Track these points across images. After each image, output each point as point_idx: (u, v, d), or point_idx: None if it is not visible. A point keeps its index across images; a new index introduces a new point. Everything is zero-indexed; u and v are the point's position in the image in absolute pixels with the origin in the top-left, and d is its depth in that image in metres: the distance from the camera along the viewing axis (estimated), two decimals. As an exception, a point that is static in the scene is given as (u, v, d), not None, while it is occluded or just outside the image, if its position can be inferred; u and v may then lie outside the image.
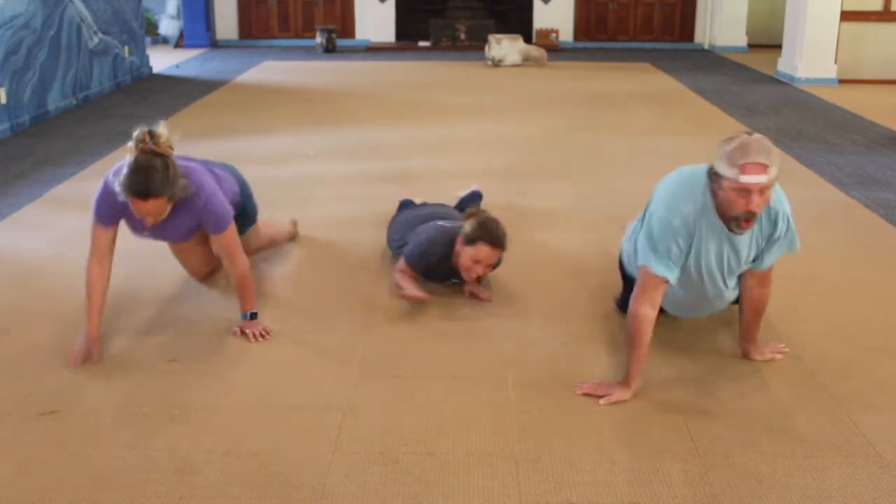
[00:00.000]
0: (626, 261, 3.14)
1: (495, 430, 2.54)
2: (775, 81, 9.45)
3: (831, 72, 9.10)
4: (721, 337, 3.13)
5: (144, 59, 9.92)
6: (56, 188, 5.09)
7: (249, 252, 3.54)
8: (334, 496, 2.24)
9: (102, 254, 3.02)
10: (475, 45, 12.08)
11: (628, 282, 3.11)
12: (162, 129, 2.86)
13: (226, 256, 3.15)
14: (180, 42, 12.61)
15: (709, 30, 12.57)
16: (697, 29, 12.79)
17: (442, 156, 5.92)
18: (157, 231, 3.13)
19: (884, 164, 5.71)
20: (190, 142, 6.38)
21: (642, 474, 2.33)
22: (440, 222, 3.58)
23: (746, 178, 2.49)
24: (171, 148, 2.89)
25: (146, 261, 3.72)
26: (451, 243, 3.44)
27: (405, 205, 4.18)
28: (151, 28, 12.75)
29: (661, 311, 2.99)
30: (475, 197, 4.38)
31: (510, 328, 3.23)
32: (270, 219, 3.94)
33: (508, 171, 5.44)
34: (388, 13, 12.75)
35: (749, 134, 2.56)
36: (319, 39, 11.85)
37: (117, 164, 2.92)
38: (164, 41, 13.05)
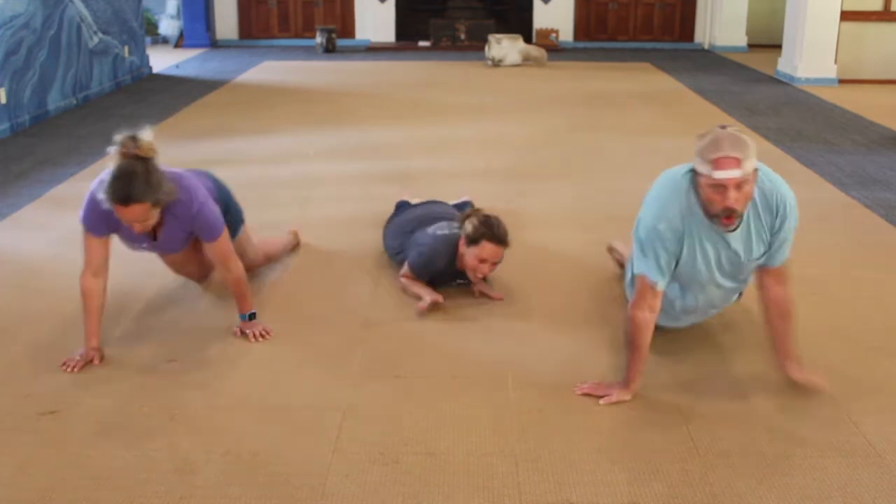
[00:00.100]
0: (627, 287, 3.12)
1: (495, 430, 2.54)
2: (775, 81, 9.45)
3: (831, 72, 9.10)
4: (721, 337, 3.13)
5: (144, 59, 9.92)
6: (56, 188, 5.09)
7: (245, 264, 3.44)
8: (334, 496, 2.24)
9: (97, 266, 2.97)
10: (475, 45, 12.08)
11: None
12: (145, 133, 2.81)
13: (220, 264, 3.11)
14: (180, 42, 12.61)
15: (709, 30, 12.57)
16: (697, 29, 12.79)
17: (442, 156, 5.92)
18: (152, 243, 3.09)
19: (884, 164, 5.71)
20: (190, 142, 6.40)
21: (642, 474, 2.34)
22: (437, 231, 3.55)
23: (720, 174, 2.44)
24: (155, 151, 2.82)
25: (146, 260, 3.71)
26: (453, 248, 3.45)
27: (401, 206, 4.18)
28: (151, 28, 12.75)
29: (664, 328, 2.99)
30: (466, 207, 4.36)
31: (510, 328, 3.23)
32: (267, 237, 3.83)
33: (508, 171, 5.44)
34: (388, 13, 12.75)
35: (722, 128, 2.51)
36: (319, 39, 11.85)
37: (101, 174, 2.87)
38: (164, 41, 13.05)
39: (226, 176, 5.45)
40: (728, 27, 12.35)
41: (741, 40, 12.35)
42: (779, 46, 10.04)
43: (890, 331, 3.21)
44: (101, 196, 2.77)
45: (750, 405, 2.68)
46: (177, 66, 10.57)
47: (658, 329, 2.81)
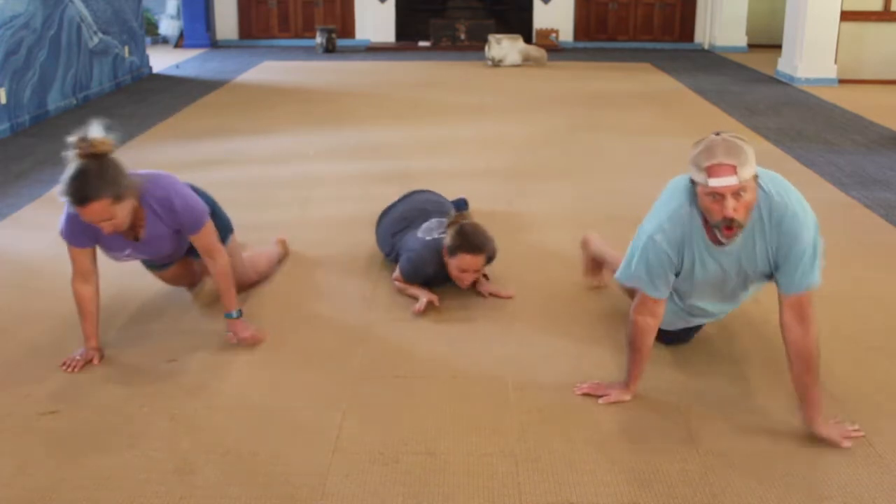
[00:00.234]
0: None
1: (495, 430, 2.54)
2: (775, 81, 9.45)
3: (831, 72, 9.10)
4: (720, 338, 3.13)
5: (144, 59, 9.92)
6: (56, 188, 5.08)
7: (236, 280, 3.39)
8: (334, 496, 2.24)
9: (85, 273, 2.94)
10: (475, 45, 12.09)
11: None
12: (95, 130, 2.70)
13: (206, 253, 3.05)
14: (180, 42, 12.61)
15: (709, 30, 12.57)
16: (697, 29, 12.79)
17: (442, 156, 5.92)
18: (137, 247, 3.02)
19: (884, 164, 5.71)
20: (190, 142, 6.40)
21: (642, 474, 2.34)
22: (424, 235, 3.52)
23: (715, 182, 2.33)
24: (108, 146, 2.72)
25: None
26: (438, 255, 3.43)
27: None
28: (151, 28, 12.75)
29: (671, 339, 2.97)
30: (461, 204, 4.37)
31: (510, 328, 3.23)
32: (253, 253, 3.69)
33: (508, 171, 5.44)
34: (388, 13, 12.75)
35: (717, 134, 2.41)
36: (319, 39, 11.85)
37: None
38: (164, 41, 13.06)
39: (226, 176, 5.48)
40: (728, 27, 12.35)
41: (741, 40, 12.35)
42: (779, 46, 10.04)
43: (890, 331, 3.21)
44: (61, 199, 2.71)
45: (750, 405, 2.68)
46: (177, 66, 10.57)
47: (662, 332, 2.81)
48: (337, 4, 12.78)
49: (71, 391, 2.76)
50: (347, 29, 12.80)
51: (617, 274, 2.73)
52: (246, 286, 3.51)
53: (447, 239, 3.39)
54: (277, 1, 12.75)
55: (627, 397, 2.67)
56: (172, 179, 2.99)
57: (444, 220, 3.56)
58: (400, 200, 4.04)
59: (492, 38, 10.65)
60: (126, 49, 9.28)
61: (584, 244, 3.61)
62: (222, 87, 8.99)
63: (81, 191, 2.66)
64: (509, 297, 3.46)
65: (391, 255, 3.70)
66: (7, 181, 5.26)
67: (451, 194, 4.47)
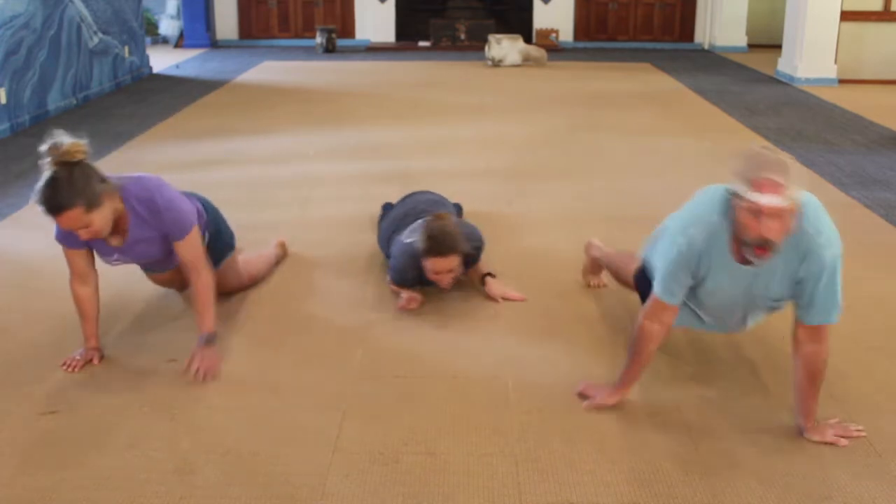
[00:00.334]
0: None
1: (495, 430, 2.54)
2: (775, 81, 9.45)
3: (831, 72, 9.10)
4: (720, 339, 3.13)
5: (144, 59, 9.92)
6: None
7: (228, 289, 3.42)
8: (334, 496, 2.24)
9: (82, 275, 2.92)
10: (475, 45, 12.09)
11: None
12: (65, 137, 2.64)
13: (189, 266, 2.93)
14: (180, 42, 12.61)
15: (709, 30, 12.57)
16: (697, 29, 12.79)
17: (442, 156, 5.92)
18: (125, 252, 2.95)
19: (884, 164, 5.71)
20: (190, 142, 6.40)
21: (642, 474, 2.33)
22: (405, 239, 3.46)
23: (759, 198, 2.21)
24: (81, 153, 2.65)
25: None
26: (417, 259, 3.35)
27: (386, 208, 4.19)
28: (151, 28, 12.75)
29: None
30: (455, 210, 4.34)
31: (510, 328, 3.23)
32: (250, 256, 3.63)
33: (508, 171, 5.44)
34: (388, 13, 12.75)
35: (770, 150, 2.30)
36: (319, 39, 11.85)
37: None
38: (164, 41, 13.06)
39: (226, 176, 5.48)
40: (728, 27, 12.35)
41: (741, 40, 12.35)
42: (779, 46, 10.05)
43: (890, 331, 3.21)
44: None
45: (750, 405, 2.68)
46: (177, 66, 10.57)
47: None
48: (337, 4, 12.78)
49: (71, 391, 2.76)
50: (347, 29, 12.80)
51: (655, 279, 2.58)
52: (241, 290, 3.49)
53: (417, 242, 3.32)
54: (277, 1, 12.75)
55: (612, 401, 2.61)
56: (159, 182, 2.91)
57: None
58: (401, 201, 4.04)
59: (492, 38, 10.65)
60: (126, 49, 9.28)
61: (588, 248, 3.61)
62: (222, 87, 8.99)
63: (53, 200, 2.62)
64: (522, 300, 3.43)
65: (388, 258, 3.69)
66: (7, 181, 5.26)
67: (450, 194, 4.47)
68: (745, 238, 2.30)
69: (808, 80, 9.06)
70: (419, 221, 3.53)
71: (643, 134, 6.68)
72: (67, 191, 2.61)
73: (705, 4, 12.60)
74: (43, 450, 2.45)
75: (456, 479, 2.31)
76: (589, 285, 3.58)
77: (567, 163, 5.75)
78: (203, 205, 3.26)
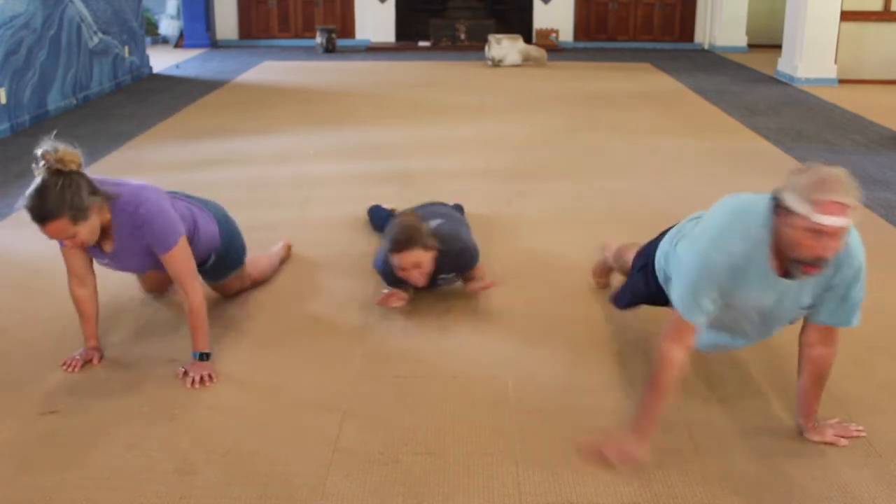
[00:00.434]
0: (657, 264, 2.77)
1: (495, 430, 2.54)
2: (775, 81, 9.45)
3: (831, 72, 9.10)
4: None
5: (144, 59, 9.92)
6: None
7: (229, 293, 3.42)
8: (334, 496, 2.24)
9: (80, 275, 2.91)
10: (475, 45, 12.09)
11: (635, 278, 2.92)
12: (63, 145, 2.62)
13: (177, 283, 2.87)
14: (180, 42, 12.61)
15: (709, 30, 12.57)
16: (697, 29, 12.80)
17: (442, 156, 5.92)
18: (111, 258, 2.91)
19: (884, 164, 5.71)
20: (190, 142, 6.40)
21: (642, 474, 2.33)
22: (382, 240, 3.45)
23: (824, 219, 2.09)
24: (75, 163, 2.63)
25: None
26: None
27: (374, 211, 4.19)
28: (151, 28, 12.75)
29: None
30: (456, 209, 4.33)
31: (510, 328, 3.23)
32: (256, 254, 3.59)
33: (508, 171, 5.44)
34: (388, 13, 12.75)
35: (830, 166, 2.17)
36: (319, 39, 11.86)
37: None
38: (164, 41, 13.06)
39: (226, 176, 5.48)
40: (728, 27, 12.35)
41: (741, 40, 12.35)
42: (779, 46, 10.05)
43: (890, 331, 3.21)
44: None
45: (749, 405, 2.68)
46: (177, 66, 10.57)
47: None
48: (337, 4, 12.78)
49: (71, 391, 2.76)
50: (347, 29, 12.81)
51: (673, 296, 2.41)
52: (242, 291, 3.49)
53: (386, 242, 3.29)
54: (277, 1, 12.75)
55: (644, 453, 2.34)
56: (148, 195, 2.82)
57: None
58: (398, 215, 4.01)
59: (492, 38, 10.65)
60: (126, 49, 9.28)
61: (606, 247, 3.54)
62: (222, 87, 8.99)
63: (40, 209, 2.59)
64: (493, 285, 3.39)
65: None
66: (7, 181, 5.26)
67: (450, 194, 4.48)
68: (796, 256, 2.18)
69: (808, 80, 9.06)
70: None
71: (643, 134, 6.68)
72: (55, 201, 2.58)
73: (705, 4, 12.60)
74: (43, 450, 2.45)
75: (456, 479, 2.31)
76: (599, 286, 3.56)
77: (567, 163, 5.75)
78: (219, 223, 3.22)
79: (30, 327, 3.22)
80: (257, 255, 3.61)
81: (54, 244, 2.87)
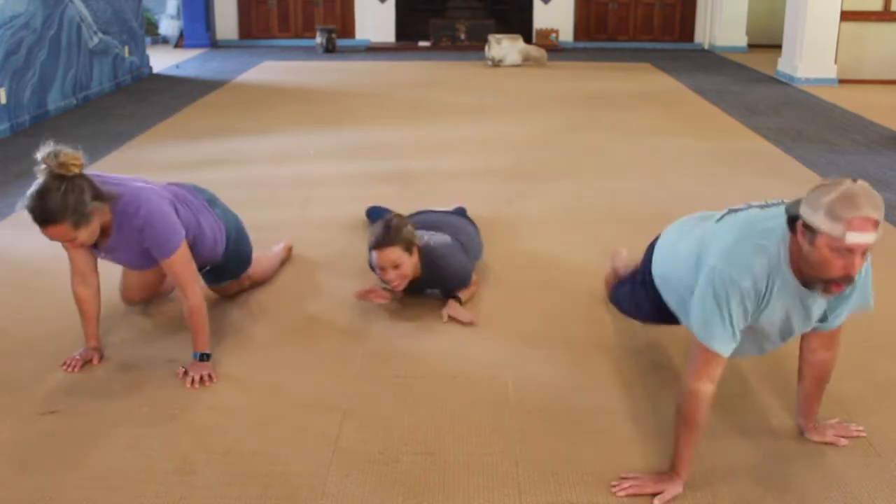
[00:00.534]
0: (655, 269, 2.68)
1: (495, 430, 2.54)
2: (775, 81, 9.45)
3: (831, 72, 9.10)
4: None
5: (144, 59, 9.92)
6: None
7: (227, 294, 3.41)
8: (334, 496, 2.24)
9: (84, 273, 2.91)
10: (475, 45, 12.09)
11: (635, 277, 2.86)
12: (64, 148, 2.62)
13: (177, 285, 2.87)
14: (180, 42, 12.61)
15: (709, 30, 12.57)
16: (697, 29, 12.79)
17: (442, 156, 5.92)
18: (107, 252, 2.89)
19: (884, 164, 5.71)
20: (190, 142, 6.40)
21: (642, 474, 2.33)
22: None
23: (854, 238, 1.99)
24: (78, 167, 2.62)
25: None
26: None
27: (372, 212, 4.19)
28: (151, 28, 12.75)
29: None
30: (459, 212, 4.33)
31: (510, 328, 3.23)
32: (256, 255, 3.54)
33: (508, 171, 5.44)
34: (388, 13, 12.75)
35: (853, 181, 2.08)
36: (319, 39, 11.86)
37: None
38: (164, 41, 13.05)
39: (226, 176, 5.48)
40: (728, 27, 12.35)
41: (741, 40, 12.35)
42: (779, 46, 10.04)
43: (890, 331, 3.21)
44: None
45: (749, 405, 2.68)
46: (177, 66, 10.57)
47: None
48: (337, 4, 12.78)
49: (71, 391, 2.76)
50: (347, 29, 12.80)
51: (693, 324, 2.25)
52: (241, 291, 3.49)
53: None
54: (277, 1, 12.75)
55: (681, 489, 2.25)
56: (150, 195, 2.81)
57: None
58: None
59: (492, 38, 10.65)
60: (126, 49, 9.28)
61: (613, 257, 3.34)
62: (222, 87, 8.99)
63: (41, 212, 2.59)
64: (470, 323, 3.22)
65: None
66: (7, 181, 5.27)
67: (450, 194, 4.48)
68: (823, 275, 2.08)
69: (808, 80, 9.06)
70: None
71: (643, 134, 6.68)
72: (58, 206, 2.58)
73: (705, 4, 12.60)
74: (43, 450, 2.45)
75: (456, 480, 2.31)
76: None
77: (567, 163, 5.75)
78: (228, 238, 3.20)
79: (30, 327, 3.22)
80: (257, 256, 3.60)
81: (55, 245, 2.87)
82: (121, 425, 2.56)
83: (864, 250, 2.04)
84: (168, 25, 13.00)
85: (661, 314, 2.72)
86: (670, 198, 4.87)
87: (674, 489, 2.23)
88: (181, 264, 2.84)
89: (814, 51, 9.06)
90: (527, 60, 10.69)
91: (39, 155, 2.61)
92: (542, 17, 12.68)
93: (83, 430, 2.54)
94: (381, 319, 3.30)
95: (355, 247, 4.06)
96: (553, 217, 4.56)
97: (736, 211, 2.38)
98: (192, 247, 2.95)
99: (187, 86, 9.06)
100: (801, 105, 7.99)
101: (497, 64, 10.60)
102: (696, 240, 2.44)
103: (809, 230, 2.05)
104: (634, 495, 2.24)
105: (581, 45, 12.76)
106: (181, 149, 6.17)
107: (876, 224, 2.03)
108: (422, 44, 12.51)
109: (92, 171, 2.80)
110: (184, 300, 2.86)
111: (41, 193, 2.60)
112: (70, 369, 2.87)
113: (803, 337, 2.43)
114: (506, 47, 10.61)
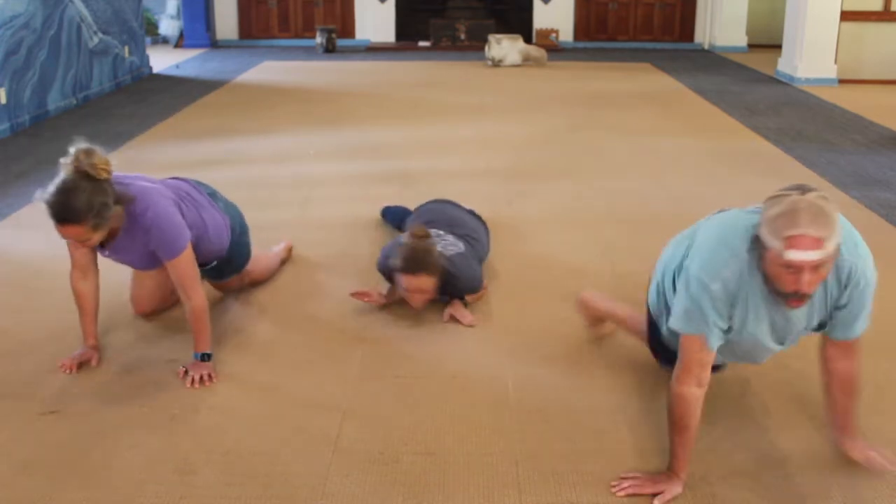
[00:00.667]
0: (652, 294, 2.63)
1: (495, 430, 2.54)
2: (775, 81, 9.45)
3: (831, 72, 9.10)
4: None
5: (144, 59, 9.92)
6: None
7: (226, 289, 3.42)
8: (334, 496, 2.24)
9: (84, 268, 2.91)
10: (475, 45, 12.09)
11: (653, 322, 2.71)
12: (98, 150, 2.65)
13: (179, 287, 2.86)
14: (180, 42, 12.61)
15: (709, 30, 12.57)
16: (697, 29, 12.79)
17: (442, 156, 5.92)
18: (112, 252, 2.91)
19: (884, 164, 5.71)
20: (190, 142, 6.40)
21: (642, 475, 2.33)
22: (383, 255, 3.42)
23: (794, 255, 1.97)
24: (107, 172, 2.66)
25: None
26: (395, 265, 3.27)
27: (386, 213, 4.20)
28: (151, 28, 12.75)
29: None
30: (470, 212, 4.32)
31: (510, 328, 3.23)
32: (258, 253, 3.55)
33: (508, 171, 5.44)
34: (388, 13, 12.75)
35: (802, 193, 2.01)
36: (319, 39, 11.86)
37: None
38: (164, 41, 13.05)
39: (226, 176, 5.48)
40: (728, 27, 12.35)
41: (741, 40, 12.35)
42: (779, 46, 10.04)
43: (890, 331, 3.21)
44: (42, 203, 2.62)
45: (750, 405, 2.68)
46: (177, 66, 10.57)
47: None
48: (337, 4, 12.78)
49: (71, 391, 2.76)
50: (347, 29, 12.80)
51: (678, 327, 2.27)
52: (240, 289, 3.49)
53: (397, 248, 3.27)
54: (277, 1, 12.75)
55: (680, 489, 2.25)
56: (157, 198, 2.82)
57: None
58: (415, 211, 3.99)
59: (492, 38, 10.65)
60: (126, 49, 9.28)
61: (582, 305, 3.13)
62: (222, 87, 8.99)
63: (63, 210, 2.58)
64: (470, 325, 3.23)
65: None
66: (7, 181, 5.26)
67: (450, 195, 4.47)
68: (779, 289, 2.10)
69: (808, 80, 9.06)
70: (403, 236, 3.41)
71: (643, 134, 6.68)
72: (83, 206, 2.58)
73: (705, 4, 12.60)
74: (43, 450, 2.45)
75: (456, 479, 2.31)
76: (599, 336, 3.16)
77: (567, 163, 5.75)
78: (232, 231, 3.21)
79: (30, 327, 3.22)
80: (258, 254, 3.60)
81: (55, 244, 2.88)
82: (121, 425, 2.56)
83: (813, 266, 2.00)
84: (168, 25, 13.00)
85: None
86: (670, 198, 4.87)
87: (673, 489, 2.24)
88: (186, 265, 2.84)
89: (814, 51, 9.06)
90: (527, 60, 10.69)
91: (72, 148, 2.60)
92: (542, 17, 12.68)
93: (83, 430, 2.54)
94: (381, 319, 3.30)
95: (355, 247, 4.06)
96: (553, 217, 4.56)
97: (724, 211, 2.39)
98: (197, 245, 2.95)
99: (187, 86, 9.06)
100: (801, 105, 7.99)
101: (497, 64, 10.60)
102: (685, 238, 2.46)
103: (762, 245, 2.06)
104: (634, 495, 2.25)
105: (581, 45, 12.76)
106: (181, 149, 6.17)
107: (819, 242, 1.97)
108: (422, 44, 12.51)
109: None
110: (186, 301, 2.85)
111: (67, 191, 2.58)
112: (67, 371, 2.86)
113: (821, 346, 2.38)
114: (506, 47, 10.61)
